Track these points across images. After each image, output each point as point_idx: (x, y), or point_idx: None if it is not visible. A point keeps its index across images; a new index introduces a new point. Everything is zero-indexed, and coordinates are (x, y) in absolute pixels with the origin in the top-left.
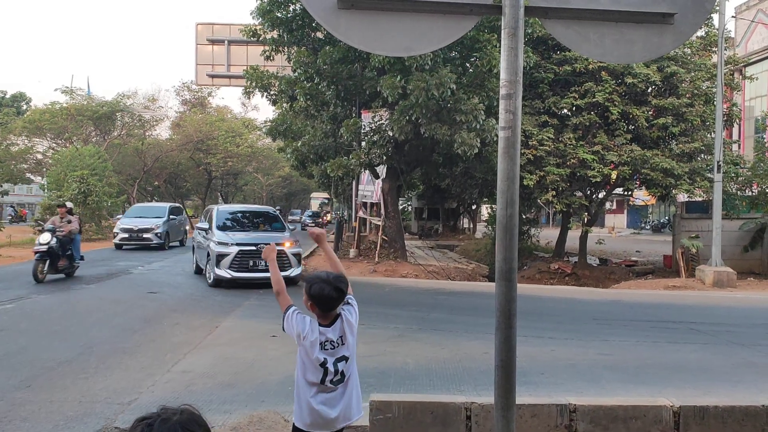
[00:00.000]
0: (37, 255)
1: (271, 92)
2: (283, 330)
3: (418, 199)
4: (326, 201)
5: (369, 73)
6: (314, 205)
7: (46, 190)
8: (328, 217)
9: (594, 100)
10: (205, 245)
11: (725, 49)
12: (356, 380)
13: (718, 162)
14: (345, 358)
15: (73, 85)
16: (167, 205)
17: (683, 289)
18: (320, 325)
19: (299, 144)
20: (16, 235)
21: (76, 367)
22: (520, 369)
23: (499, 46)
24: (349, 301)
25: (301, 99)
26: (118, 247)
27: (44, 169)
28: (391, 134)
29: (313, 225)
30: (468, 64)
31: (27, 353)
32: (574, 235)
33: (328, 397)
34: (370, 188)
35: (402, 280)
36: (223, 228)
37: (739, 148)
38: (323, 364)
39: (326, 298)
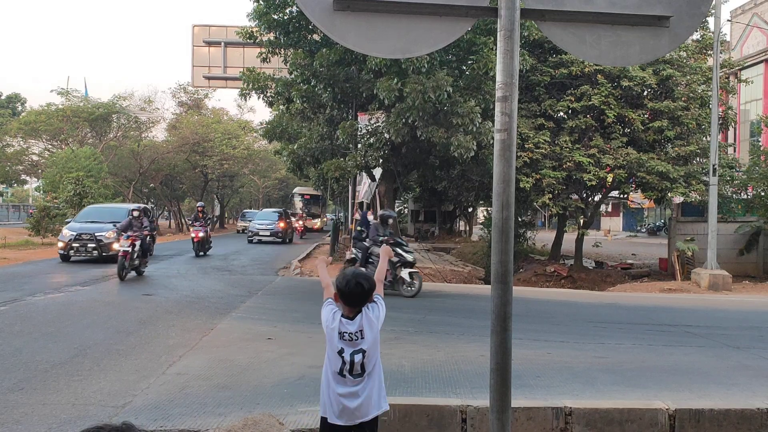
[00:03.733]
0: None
1: (268, 94)
2: None
3: (414, 202)
4: (316, 200)
5: (365, 76)
6: (297, 205)
7: (41, 192)
8: (317, 223)
9: (590, 103)
10: None
11: (721, 53)
12: (378, 376)
13: (713, 165)
14: (362, 351)
15: (69, 86)
16: None
17: (679, 292)
18: (343, 316)
19: (296, 147)
20: (11, 236)
21: (70, 369)
22: (515, 372)
23: (496, 49)
24: (375, 300)
25: (298, 101)
26: None
27: (40, 171)
28: (387, 137)
29: (270, 235)
30: (464, 67)
31: (21, 355)
32: (570, 238)
33: (349, 389)
34: (371, 190)
35: None
36: None
37: (735, 151)
38: (341, 353)
39: (349, 292)
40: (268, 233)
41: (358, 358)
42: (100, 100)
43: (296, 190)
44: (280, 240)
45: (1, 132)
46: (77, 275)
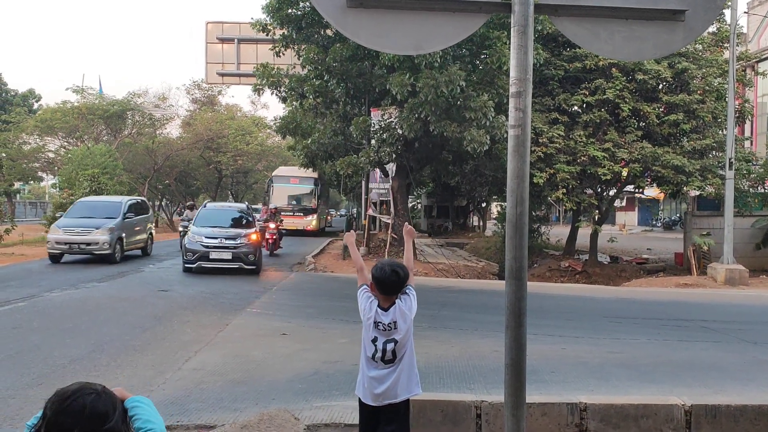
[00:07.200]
0: None
1: (281, 89)
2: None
3: (427, 197)
4: (309, 186)
5: (378, 71)
6: (278, 196)
7: (58, 189)
8: (312, 222)
9: (604, 97)
10: None
11: (737, 45)
12: (410, 362)
13: (729, 159)
14: (395, 341)
15: (84, 84)
16: None
17: (694, 287)
18: (379, 307)
19: (309, 142)
20: (28, 233)
21: (88, 364)
22: (530, 367)
23: (509, 44)
24: (407, 291)
25: (311, 97)
26: None
27: (56, 168)
28: (400, 132)
29: (234, 259)
30: (478, 62)
31: (39, 351)
32: (584, 233)
33: (379, 373)
34: (384, 186)
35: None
36: None
37: (752, 144)
38: (374, 341)
39: (384, 281)
40: (230, 255)
41: (390, 346)
42: (115, 97)
43: (278, 171)
44: (252, 267)
45: (18, 129)
46: (93, 272)
